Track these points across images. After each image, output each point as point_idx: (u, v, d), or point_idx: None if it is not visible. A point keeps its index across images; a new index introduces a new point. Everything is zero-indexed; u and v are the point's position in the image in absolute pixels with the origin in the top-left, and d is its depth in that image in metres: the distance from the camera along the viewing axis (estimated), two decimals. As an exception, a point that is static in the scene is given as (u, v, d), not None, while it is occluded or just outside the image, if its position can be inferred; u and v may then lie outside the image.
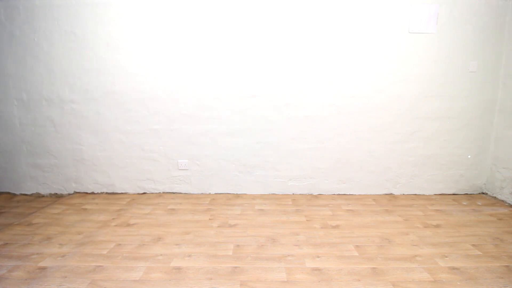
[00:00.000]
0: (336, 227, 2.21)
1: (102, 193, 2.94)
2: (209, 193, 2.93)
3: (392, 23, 2.63)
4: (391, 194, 2.92)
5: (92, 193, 2.94)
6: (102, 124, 2.81)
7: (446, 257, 1.80)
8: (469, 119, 2.80)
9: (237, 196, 2.87)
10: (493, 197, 2.82)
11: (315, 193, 2.93)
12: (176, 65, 2.70)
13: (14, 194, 2.96)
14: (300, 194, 2.92)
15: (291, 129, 2.81)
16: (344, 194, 2.92)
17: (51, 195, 2.94)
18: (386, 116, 2.78)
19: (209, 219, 2.35)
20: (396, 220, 2.33)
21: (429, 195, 2.90)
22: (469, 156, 2.86)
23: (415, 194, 2.91)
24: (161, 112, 2.79)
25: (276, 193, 2.93)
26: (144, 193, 2.94)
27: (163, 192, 2.94)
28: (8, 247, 1.93)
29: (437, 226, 2.23)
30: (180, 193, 2.93)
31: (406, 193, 2.92)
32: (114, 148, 2.85)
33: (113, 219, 2.35)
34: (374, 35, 2.65)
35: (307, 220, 2.33)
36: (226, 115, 2.78)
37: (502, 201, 2.71)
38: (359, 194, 2.91)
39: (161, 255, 1.83)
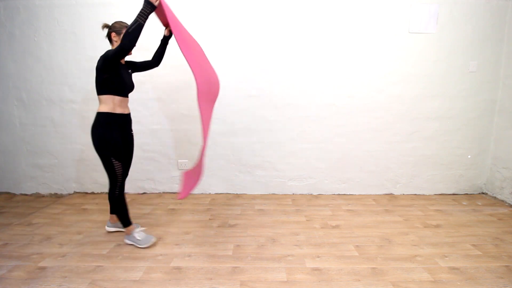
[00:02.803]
0: (336, 227, 2.21)
1: (102, 193, 2.94)
2: (209, 193, 2.93)
3: (392, 23, 2.63)
4: (391, 194, 2.92)
5: (92, 193, 2.94)
6: (102, 124, 2.80)
7: (446, 257, 1.80)
8: (469, 119, 2.80)
9: (237, 196, 2.87)
10: (493, 197, 2.82)
11: (315, 193, 2.93)
12: (176, 65, 2.69)
13: (14, 194, 2.96)
14: (300, 194, 2.92)
15: (291, 129, 2.81)
16: (344, 194, 2.92)
17: (51, 195, 2.94)
18: (386, 116, 2.78)
19: (209, 219, 2.35)
20: (396, 220, 2.33)
21: (429, 195, 2.90)
22: (469, 156, 2.86)
23: (415, 194, 2.91)
24: (161, 112, 2.79)
25: (276, 193, 2.93)
26: (144, 193, 2.94)
27: (163, 192, 2.94)
28: (8, 247, 1.93)
29: (437, 226, 2.23)
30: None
31: (406, 193, 2.92)
32: (114, 148, 2.85)
33: (113, 219, 2.35)
34: (374, 35, 2.65)
35: (307, 220, 2.33)
36: (226, 115, 2.78)
37: (502, 201, 2.71)
38: (359, 194, 2.91)
39: (161, 255, 1.83)
